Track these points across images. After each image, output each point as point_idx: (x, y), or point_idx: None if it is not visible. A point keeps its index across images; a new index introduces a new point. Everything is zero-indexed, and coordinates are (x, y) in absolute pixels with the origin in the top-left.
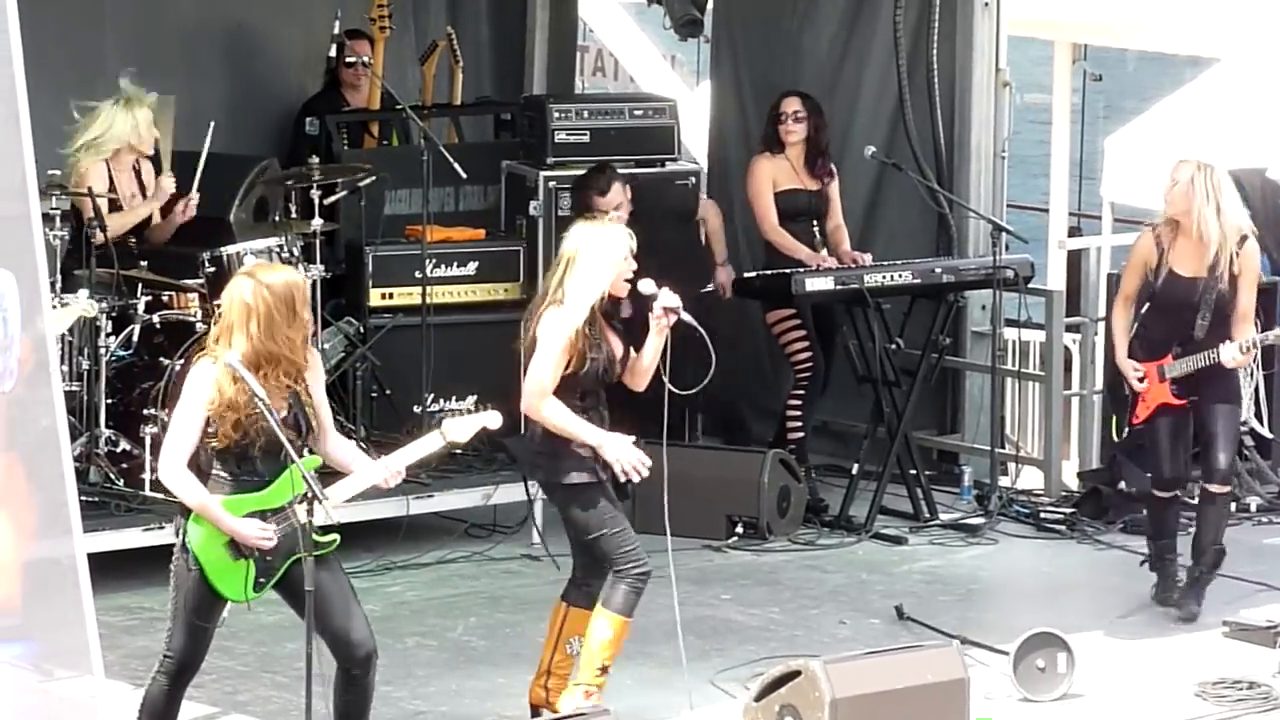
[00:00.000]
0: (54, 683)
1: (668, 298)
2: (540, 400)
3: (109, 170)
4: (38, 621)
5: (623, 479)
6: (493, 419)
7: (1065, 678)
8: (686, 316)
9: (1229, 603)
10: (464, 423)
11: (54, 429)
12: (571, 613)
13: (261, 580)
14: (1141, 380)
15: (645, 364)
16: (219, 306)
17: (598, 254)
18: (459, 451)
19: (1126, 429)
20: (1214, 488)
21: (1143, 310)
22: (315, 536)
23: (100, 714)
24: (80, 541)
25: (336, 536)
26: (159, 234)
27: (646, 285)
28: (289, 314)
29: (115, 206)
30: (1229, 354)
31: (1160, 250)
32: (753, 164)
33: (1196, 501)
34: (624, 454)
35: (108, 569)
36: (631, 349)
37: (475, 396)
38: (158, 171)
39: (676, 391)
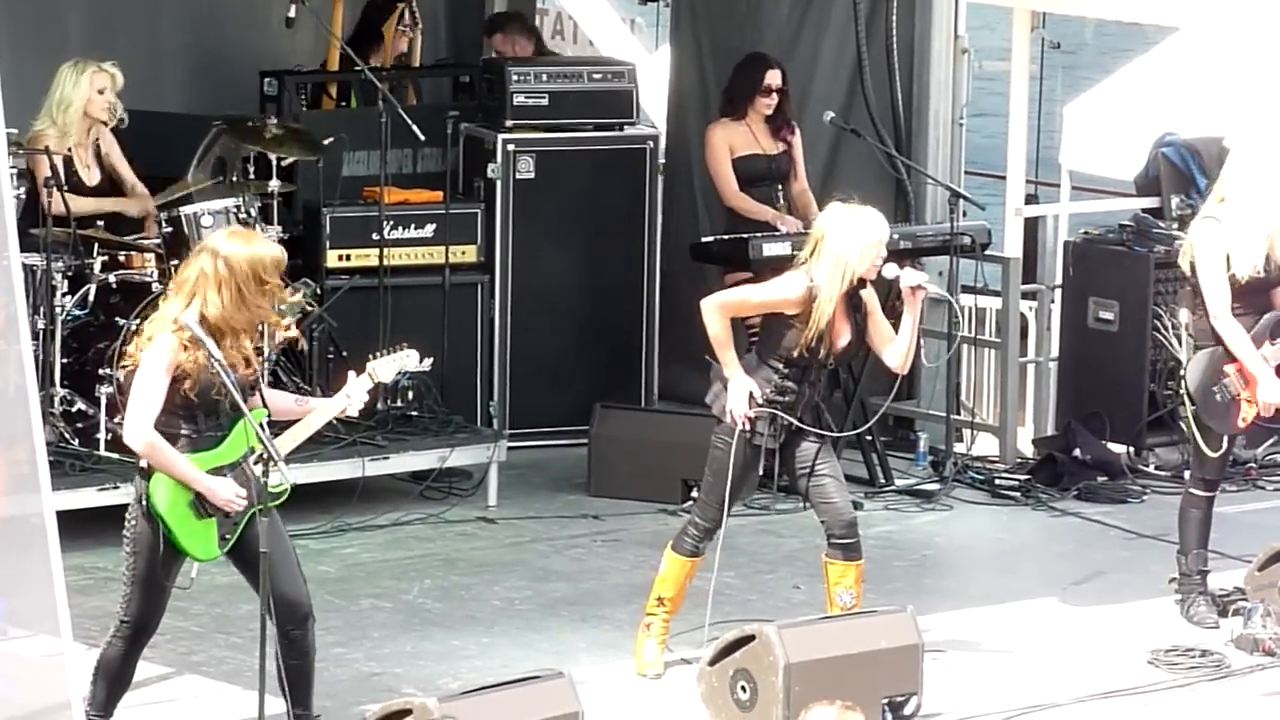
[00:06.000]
0: (19, 641)
1: (911, 276)
2: (715, 303)
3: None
4: (5, 579)
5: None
6: (411, 357)
7: None
8: (933, 288)
9: None
10: (386, 362)
11: (24, 386)
12: (829, 566)
13: (226, 536)
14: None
15: (906, 345)
16: (175, 266)
17: (846, 236)
18: (416, 413)
19: (1226, 438)
20: None
21: None
22: (269, 488)
23: (67, 674)
24: (49, 499)
25: (288, 485)
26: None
27: (890, 270)
28: (256, 286)
29: (71, 174)
30: None
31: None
32: (708, 134)
33: None
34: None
35: (62, 529)
36: (876, 334)
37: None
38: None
39: None
